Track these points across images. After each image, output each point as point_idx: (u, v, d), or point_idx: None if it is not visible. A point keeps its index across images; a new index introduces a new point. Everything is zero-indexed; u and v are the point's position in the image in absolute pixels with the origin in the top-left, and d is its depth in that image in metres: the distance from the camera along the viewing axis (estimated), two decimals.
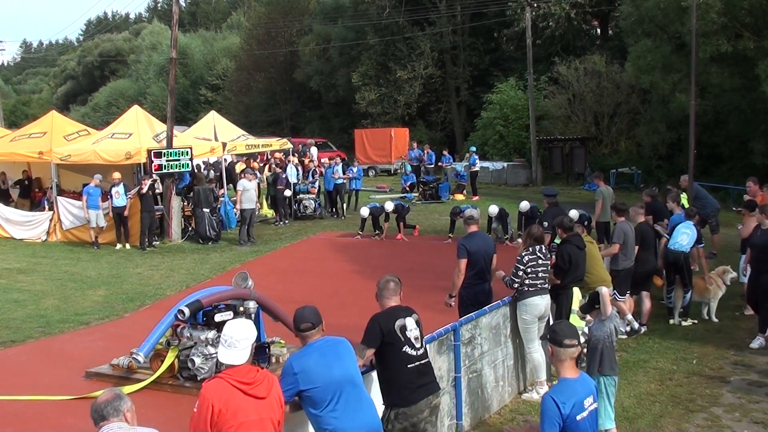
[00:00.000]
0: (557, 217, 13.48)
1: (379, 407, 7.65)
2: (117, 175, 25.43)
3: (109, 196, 25.21)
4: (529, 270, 11.46)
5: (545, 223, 16.35)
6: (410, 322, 7.70)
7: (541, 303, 11.51)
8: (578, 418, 6.36)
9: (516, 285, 11.41)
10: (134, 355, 12.41)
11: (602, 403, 8.92)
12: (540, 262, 11.58)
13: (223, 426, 6.09)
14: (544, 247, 11.87)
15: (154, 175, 25.31)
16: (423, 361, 7.74)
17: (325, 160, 35.26)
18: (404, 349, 7.59)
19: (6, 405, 11.81)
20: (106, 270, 22.12)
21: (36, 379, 12.91)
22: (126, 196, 25.24)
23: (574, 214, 17.63)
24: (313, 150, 42.08)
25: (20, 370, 13.63)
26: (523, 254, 11.58)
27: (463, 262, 12.15)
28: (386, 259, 22.14)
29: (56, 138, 28.20)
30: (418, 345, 7.68)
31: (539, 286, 11.55)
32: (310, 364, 6.93)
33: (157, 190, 25.72)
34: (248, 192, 26.07)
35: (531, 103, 43.21)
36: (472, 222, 12.70)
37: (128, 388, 11.79)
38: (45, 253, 25.03)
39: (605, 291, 9.60)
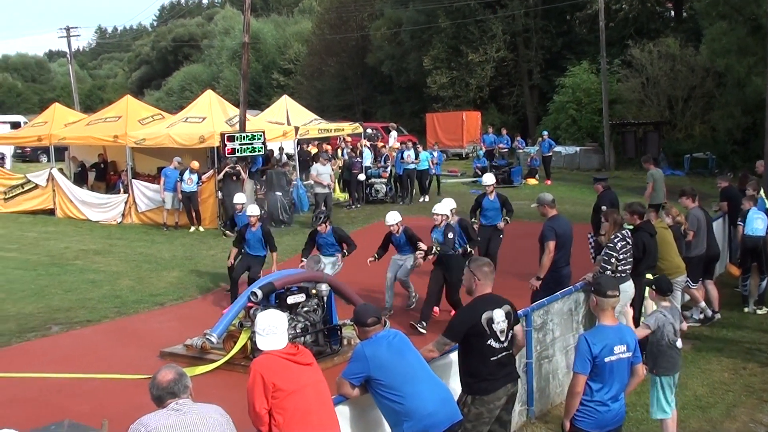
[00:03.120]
0: (632, 204, 13.22)
1: (455, 390, 7.64)
2: (195, 164, 25.74)
3: (180, 181, 25.48)
4: (621, 256, 11.36)
5: (603, 207, 16.12)
6: (498, 314, 7.56)
7: (630, 289, 11.36)
8: (606, 360, 7.18)
9: (608, 271, 11.25)
10: (208, 336, 12.57)
11: (655, 394, 9.05)
12: (629, 247, 11.49)
13: (281, 392, 6.37)
14: (629, 233, 11.76)
15: (231, 162, 25.48)
16: (506, 353, 7.66)
17: (395, 144, 35.22)
18: (489, 342, 7.50)
19: (82, 383, 12.03)
20: (180, 252, 22.38)
21: (111, 358, 13.14)
22: (197, 183, 25.50)
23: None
24: (393, 134, 42.01)
25: (96, 349, 13.86)
26: (615, 241, 11.46)
27: (552, 244, 12.17)
28: None
29: (131, 122, 28.55)
30: (503, 338, 7.57)
31: (629, 272, 11.46)
32: (381, 351, 7.02)
33: (240, 176, 25.85)
34: (322, 176, 26.16)
35: (604, 86, 42.57)
36: (553, 205, 12.63)
37: (201, 369, 11.95)
38: (120, 235, 25.42)
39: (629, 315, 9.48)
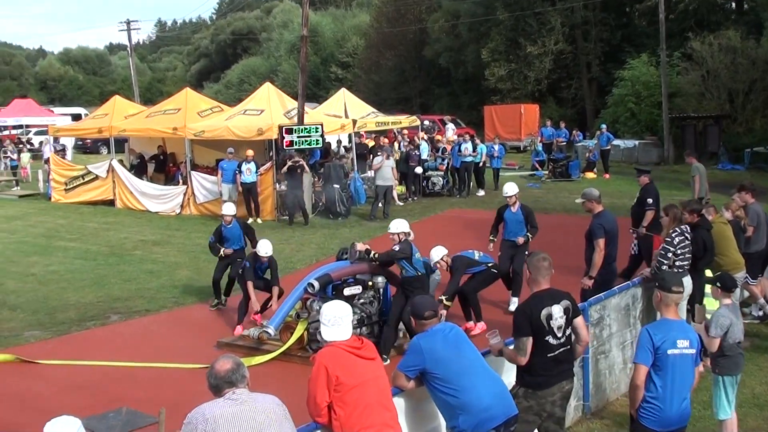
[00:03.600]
0: (689, 202, 13.00)
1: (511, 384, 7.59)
2: (250, 152, 25.82)
3: (239, 172, 25.61)
4: (678, 251, 11.21)
5: (649, 200, 15.89)
6: (557, 310, 7.43)
7: (689, 285, 11.19)
8: (669, 352, 7.16)
9: (665, 267, 11.08)
10: (265, 328, 12.63)
11: (718, 393, 8.89)
12: (687, 243, 11.35)
13: (344, 386, 6.36)
14: (688, 227, 11.60)
15: (294, 155, 25.55)
16: (563, 349, 7.55)
17: (453, 137, 35.11)
18: (546, 338, 7.41)
19: (140, 371, 12.15)
20: None
21: (169, 348, 13.25)
22: (256, 173, 25.63)
23: None
24: (450, 126, 41.83)
25: (154, 339, 14.01)
26: (673, 236, 11.32)
27: (602, 241, 11.98)
28: None
29: (190, 114, 28.78)
30: (560, 335, 7.47)
31: (686, 267, 11.31)
32: (437, 344, 6.97)
33: (305, 169, 25.90)
34: (384, 169, 26.18)
35: (663, 79, 41.98)
36: (599, 201, 12.45)
37: (258, 359, 12.00)
38: (179, 226, 25.65)
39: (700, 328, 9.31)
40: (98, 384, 11.58)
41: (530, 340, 7.38)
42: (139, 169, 31.23)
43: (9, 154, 41.73)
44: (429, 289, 13.27)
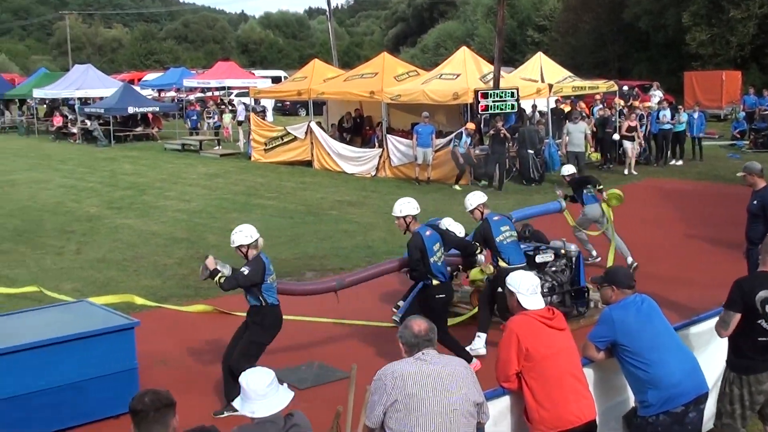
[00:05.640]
0: None
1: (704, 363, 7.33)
2: (471, 126, 26.03)
3: (456, 146, 25.74)
4: None
5: None
6: None
7: None
8: None
9: None
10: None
11: None
12: None
13: (534, 357, 6.36)
14: None
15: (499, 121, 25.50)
16: None
17: (651, 103, 34.15)
18: (759, 321, 7.14)
19: (333, 328, 12.46)
20: (431, 206, 22.55)
21: (362, 306, 13.43)
22: (471, 145, 25.72)
23: None
24: (657, 93, 40.69)
25: (347, 297, 14.25)
26: None
27: None
28: (713, 207, 21.30)
29: (387, 78, 29.02)
30: None
31: None
32: (630, 316, 6.84)
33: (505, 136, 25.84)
34: (574, 134, 25.75)
35: None
36: (761, 174, 11.62)
37: (448, 322, 12.03)
38: (374, 188, 26.03)
39: None
40: (291, 337, 11.89)
41: (737, 316, 7.13)
42: (348, 131, 32.07)
43: (212, 114, 43.37)
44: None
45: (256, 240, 9.93)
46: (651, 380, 6.67)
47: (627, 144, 28.09)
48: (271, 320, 9.87)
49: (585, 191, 15.52)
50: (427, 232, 10.40)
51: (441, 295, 10.48)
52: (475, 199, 11.46)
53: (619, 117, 30.20)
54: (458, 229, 12.20)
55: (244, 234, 9.92)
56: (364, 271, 11.92)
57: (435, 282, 10.35)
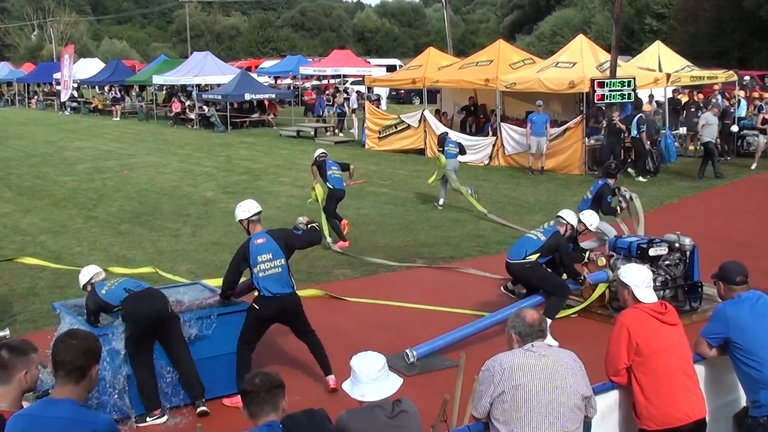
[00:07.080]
0: None
1: None
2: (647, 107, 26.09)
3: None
4: None
5: None
6: None
7: None
8: None
9: None
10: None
11: None
12: None
13: (645, 352, 6.28)
14: None
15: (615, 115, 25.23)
16: None
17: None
18: None
19: (442, 315, 12.47)
20: (544, 196, 22.46)
21: (471, 295, 13.44)
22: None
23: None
24: None
25: (457, 285, 14.28)
26: None
27: None
28: None
29: (502, 66, 28.85)
30: None
31: None
32: (744, 313, 6.71)
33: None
34: (710, 126, 25.26)
35: None
36: None
37: (558, 314, 11.96)
38: (486, 177, 25.94)
39: None
40: (401, 324, 12.00)
41: None
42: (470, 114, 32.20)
43: (335, 102, 43.52)
44: None
45: (256, 214, 9.65)
46: (764, 380, 6.53)
47: (761, 138, 27.41)
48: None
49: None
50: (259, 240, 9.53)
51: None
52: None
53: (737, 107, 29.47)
54: (591, 221, 12.36)
55: (243, 209, 9.69)
56: None
57: None
